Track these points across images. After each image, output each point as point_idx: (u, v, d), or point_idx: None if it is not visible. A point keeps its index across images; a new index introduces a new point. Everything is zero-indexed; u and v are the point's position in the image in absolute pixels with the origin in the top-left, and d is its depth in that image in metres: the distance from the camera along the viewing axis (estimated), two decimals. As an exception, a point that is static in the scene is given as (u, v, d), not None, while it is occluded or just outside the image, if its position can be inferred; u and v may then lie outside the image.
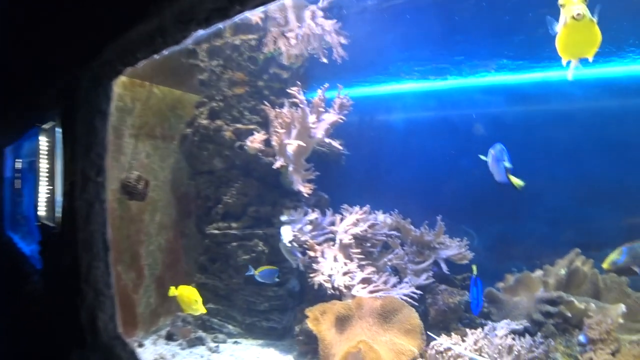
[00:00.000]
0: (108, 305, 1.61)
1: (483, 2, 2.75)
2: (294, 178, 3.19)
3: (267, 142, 3.35)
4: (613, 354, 2.37)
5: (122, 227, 3.26)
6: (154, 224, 3.56)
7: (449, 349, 2.43)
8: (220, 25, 1.52)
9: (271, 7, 3.03)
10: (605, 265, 2.68)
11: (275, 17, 3.10)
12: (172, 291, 2.91)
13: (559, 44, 1.92)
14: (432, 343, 2.56)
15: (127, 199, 3.04)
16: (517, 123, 3.63)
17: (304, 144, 3.17)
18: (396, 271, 3.28)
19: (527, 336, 2.61)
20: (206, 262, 3.60)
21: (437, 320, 3.01)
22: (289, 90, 3.16)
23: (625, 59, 3.45)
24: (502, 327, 2.63)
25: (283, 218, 3.24)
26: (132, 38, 1.49)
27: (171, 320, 3.46)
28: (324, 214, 3.41)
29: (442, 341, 2.49)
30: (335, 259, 3.12)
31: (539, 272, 3.22)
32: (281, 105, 3.27)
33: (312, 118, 3.17)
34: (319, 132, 3.19)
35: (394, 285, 3.04)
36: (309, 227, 3.26)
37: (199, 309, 2.88)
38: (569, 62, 2.06)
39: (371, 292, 2.95)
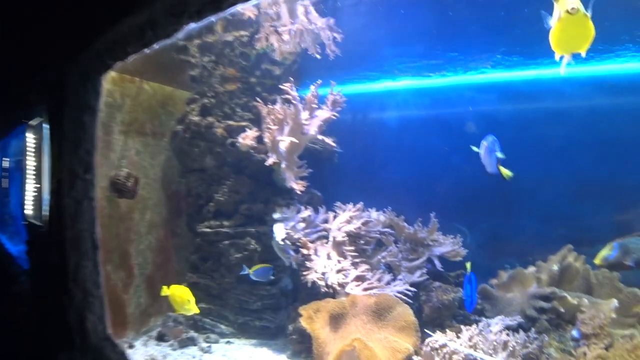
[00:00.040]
0: (97, 305, 1.58)
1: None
2: (287, 175, 3.16)
3: (259, 139, 3.31)
4: (606, 349, 2.38)
5: (111, 226, 3.20)
6: (144, 222, 3.50)
7: (444, 345, 2.43)
8: (212, 18, 1.48)
9: (264, 1, 2.99)
10: (597, 261, 2.69)
11: (268, 12, 3.06)
12: (164, 291, 2.86)
13: (552, 38, 1.92)
14: (427, 340, 2.55)
15: (116, 197, 2.98)
16: (510, 120, 3.64)
17: (297, 141, 3.14)
18: (390, 269, 3.27)
19: (521, 332, 2.61)
20: (198, 261, 3.56)
21: (432, 317, 3.01)
22: (281, 87, 3.12)
23: (618, 57, 3.48)
24: (497, 323, 2.63)
25: (276, 216, 3.21)
26: (122, 31, 1.46)
27: (162, 321, 3.41)
28: (316, 211, 3.39)
29: (438, 337, 2.48)
30: (329, 257, 3.10)
31: (531, 269, 3.23)
32: (274, 102, 3.24)
33: (304, 114, 3.14)
34: (312, 128, 3.16)
35: (388, 283, 3.03)
36: (302, 225, 3.23)
37: (192, 308, 2.84)
38: (562, 58, 2.06)
39: (365, 289, 2.94)
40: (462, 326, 2.68)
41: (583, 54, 1.97)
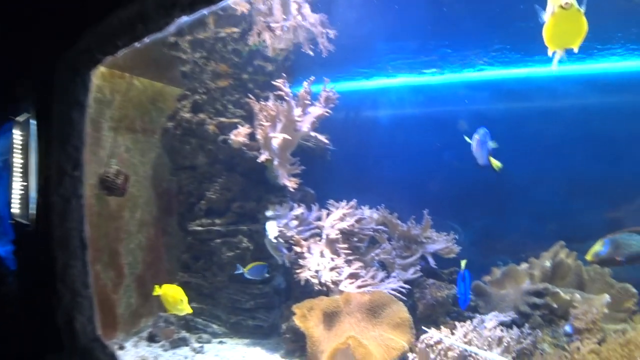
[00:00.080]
0: (86, 306, 1.54)
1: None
2: (280, 172, 3.13)
3: (251, 136, 3.28)
4: (599, 344, 2.40)
5: (100, 224, 3.14)
6: (134, 221, 3.44)
7: (439, 342, 2.42)
8: (204, 11, 1.45)
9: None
10: (588, 257, 2.70)
11: (260, 7, 3.02)
12: (156, 290, 2.82)
13: (546, 33, 1.93)
14: (422, 337, 2.54)
15: (105, 195, 2.92)
16: (503, 118, 3.65)
17: (290, 138, 3.11)
18: (383, 266, 3.26)
19: (515, 328, 2.62)
20: (189, 260, 3.52)
21: (426, 314, 3.01)
22: (274, 83, 3.09)
23: (610, 56, 3.51)
24: (491, 319, 2.63)
25: (268, 213, 3.18)
26: (111, 24, 1.43)
27: (153, 321, 3.37)
28: (309, 209, 3.37)
29: (434, 334, 2.47)
30: (322, 255, 3.08)
31: (524, 265, 3.25)
32: (266, 99, 3.20)
33: (297, 111, 3.11)
34: (305, 125, 3.14)
35: (382, 280, 3.02)
36: (295, 223, 3.20)
37: (185, 308, 2.79)
38: (554, 54, 2.07)
39: (359, 287, 2.92)
40: (456, 323, 2.68)
41: (575, 50, 1.98)
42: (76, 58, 1.53)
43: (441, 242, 3.33)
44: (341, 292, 2.89)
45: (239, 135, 3.23)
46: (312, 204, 3.40)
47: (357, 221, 3.28)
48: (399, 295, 2.86)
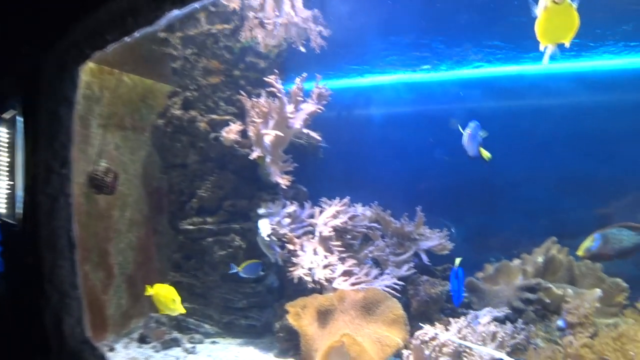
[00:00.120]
0: (75, 307, 1.51)
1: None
2: (272, 169, 3.10)
3: (243, 134, 3.24)
4: (591, 337, 2.42)
5: (89, 224, 3.08)
6: (124, 220, 3.39)
7: (434, 338, 2.42)
8: (196, 5, 1.42)
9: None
10: (579, 253, 2.73)
11: (252, 4, 2.98)
12: (148, 290, 2.77)
13: (538, 27, 1.94)
14: (416, 333, 2.54)
15: (94, 193, 2.87)
16: (495, 115, 3.67)
17: (282, 135, 3.08)
18: (377, 263, 3.25)
19: (508, 323, 2.63)
20: (180, 260, 3.48)
21: (420, 311, 3.00)
22: (266, 79, 3.06)
23: (602, 54, 3.55)
24: (485, 314, 2.64)
25: (261, 211, 3.15)
26: (101, 18, 1.40)
27: (144, 322, 3.31)
28: (302, 206, 3.34)
29: (429, 330, 2.47)
30: (315, 252, 3.06)
31: (517, 261, 3.27)
32: (258, 96, 3.17)
33: (290, 108, 3.08)
34: (297, 122, 3.11)
35: (376, 277, 3.01)
36: (288, 220, 3.18)
37: (177, 308, 2.74)
38: (546, 49, 2.07)
39: (353, 284, 2.91)
40: (450, 319, 2.68)
41: (567, 44, 1.98)
42: (64, 53, 1.50)
43: (434, 239, 3.33)
44: (335, 289, 2.88)
45: (231, 132, 3.19)
46: (304, 202, 3.38)
47: (350, 218, 3.27)
48: (392, 292, 2.85)
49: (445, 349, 2.41)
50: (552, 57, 2.06)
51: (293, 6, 2.96)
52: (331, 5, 3.02)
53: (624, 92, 3.58)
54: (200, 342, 3.22)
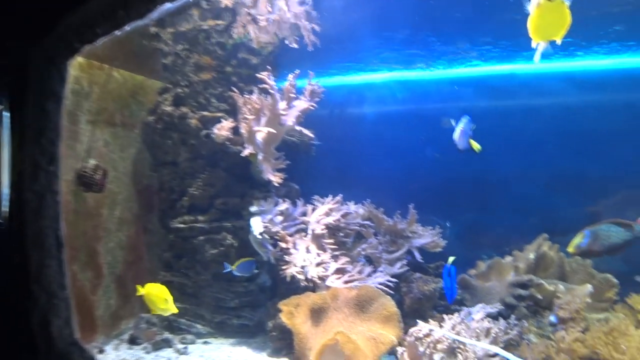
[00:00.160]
0: (63, 308, 1.47)
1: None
2: (264, 167, 3.07)
3: (235, 131, 3.21)
4: (583, 332, 2.44)
5: (77, 222, 3.02)
6: (114, 218, 3.33)
7: (428, 334, 2.42)
8: (189, -2, 1.39)
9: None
10: (570, 249, 2.75)
11: (245, 0, 2.95)
12: (139, 290, 2.72)
13: (530, 24, 1.95)
14: (410, 330, 2.53)
15: (83, 191, 2.81)
16: (487, 114, 3.68)
17: (275, 131, 3.06)
18: (370, 261, 3.24)
19: (501, 319, 2.65)
20: (171, 259, 3.43)
21: (413, 308, 3.00)
22: (258, 75, 3.03)
23: (593, 54, 3.59)
24: (478, 311, 2.65)
25: (253, 209, 3.12)
26: (91, 10, 1.36)
27: (134, 323, 3.26)
28: (294, 204, 3.32)
29: (423, 327, 2.47)
30: (308, 250, 3.04)
31: (509, 258, 3.29)
32: (250, 93, 3.14)
33: (282, 105, 3.06)
34: (290, 119, 3.09)
35: (369, 275, 3.00)
36: (280, 218, 3.15)
37: (170, 308, 2.68)
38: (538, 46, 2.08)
39: (346, 282, 2.90)
40: (444, 315, 2.68)
41: (558, 42, 2.00)
42: (52, 46, 1.46)
43: (427, 237, 3.33)
44: (328, 287, 2.86)
45: (223, 129, 3.15)
46: (296, 200, 3.36)
47: (343, 216, 3.26)
48: (386, 289, 2.84)
49: (439, 346, 2.41)
50: (544, 55, 2.07)
51: (287, 2, 2.93)
52: (324, 1, 2.99)
53: (614, 92, 3.63)
54: (192, 342, 3.18)
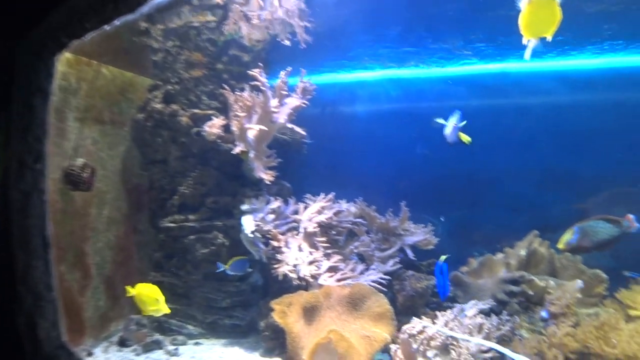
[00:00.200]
0: (50, 310, 1.43)
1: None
2: (255, 165, 3.04)
3: (226, 128, 3.17)
4: (574, 327, 2.46)
5: (65, 222, 2.96)
6: (102, 218, 3.27)
7: (422, 331, 2.42)
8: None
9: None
10: (560, 246, 2.77)
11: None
12: (130, 291, 2.67)
13: (521, 21, 1.96)
14: (403, 327, 2.53)
15: (70, 190, 2.75)
16: (478, 113, 3.71)
17: (266, 129, 3.03)
18: (362, 259, 3.23)
19: (493, 315, 2.66)
20: (161, 259, 3.39)
21: (406, 305, 3.00)
22: (250, 72, 3.00)
23: (583, 53, 3.62)
24: (471, 307, 2.66)
25: (244, 207, 3.09)
26: (79, 4, 1.32)
27: (124, 324, 3.21)
28: (286, 202, 3.30)
29: (416, 324, 2.47)
30: (300, 249, 3.02)
31: (500, 255, 3.31)
32: (241, 90, 3.11)
33: (274, 102, 3.03)
34: (282, 116, 3.06)
35: (362, 273, 2.99)
36: (272, 216, 3.13)
37: (161, 308, 2.63)
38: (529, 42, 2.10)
39: (339, 280, 2.89)
40: (437, 312, 2.69)
41: (549, 38, 2.01)
42: (39, 41, 1.42)
43: (419, 234, 3.33)
44: (320, 286, 2.84)
45: (214, 127, 3.12)
46: (288, 198, 3.34)
47: (335, 214, 3.25)
48: (379, 287, 2.84)
49: (433, 342, 2.41)
50: (536, 52, 2.08)
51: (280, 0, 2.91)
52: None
53: (604, 91, 3.68)
54: (183, 343, 3.14)
